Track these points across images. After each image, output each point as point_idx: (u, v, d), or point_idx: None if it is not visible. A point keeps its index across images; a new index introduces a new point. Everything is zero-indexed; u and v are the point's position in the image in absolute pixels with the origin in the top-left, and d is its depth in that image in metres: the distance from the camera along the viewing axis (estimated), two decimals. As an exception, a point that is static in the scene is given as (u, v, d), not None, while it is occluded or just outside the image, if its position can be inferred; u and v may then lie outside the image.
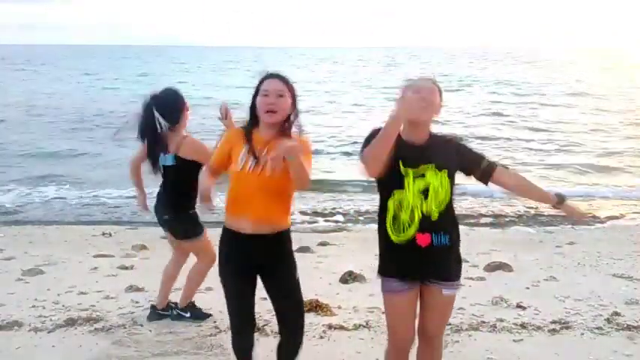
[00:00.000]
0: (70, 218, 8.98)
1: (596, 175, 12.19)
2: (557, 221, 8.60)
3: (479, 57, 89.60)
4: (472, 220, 8.42)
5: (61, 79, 40.11)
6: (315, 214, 9.13)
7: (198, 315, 4.06)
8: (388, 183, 2.48)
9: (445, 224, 2.48)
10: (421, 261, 2.47)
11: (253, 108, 2.60)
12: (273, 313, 2.81)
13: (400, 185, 2.43)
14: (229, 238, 2.64)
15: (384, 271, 2.57)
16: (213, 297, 4.56)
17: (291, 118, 2.60)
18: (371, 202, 8.56)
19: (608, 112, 22.39)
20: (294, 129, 2.63)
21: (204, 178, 2.65)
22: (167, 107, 3.66)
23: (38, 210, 9.41)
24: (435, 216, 2.43)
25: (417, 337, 2.68)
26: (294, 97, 2.59)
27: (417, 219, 2.42)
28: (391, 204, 2.46)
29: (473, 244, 6.08)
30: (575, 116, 21.13)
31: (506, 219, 8.78)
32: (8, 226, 8.23)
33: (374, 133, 2.38)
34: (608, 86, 33.28)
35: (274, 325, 2.90)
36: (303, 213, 9.02)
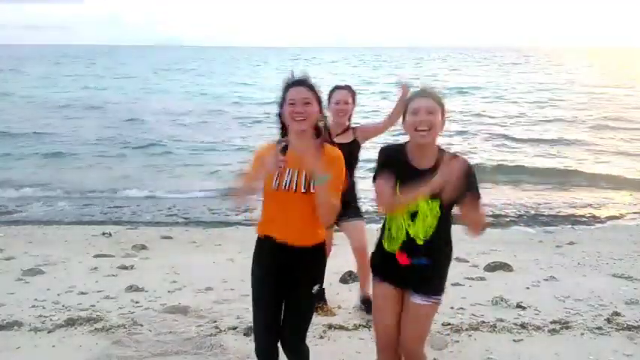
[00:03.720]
0: (70, 218, 8.98)
1: None
2: (557, 221, 8.62)
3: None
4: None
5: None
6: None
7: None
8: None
9: (429, 250, 2.48)
10: (402, 272, 2.53)
11: (280, 116, 2.59)
12: None
13: None
14: (261, 245, 2.63)
15: (375, 271, 2.70)
16: (212, 297, 4.58)
17: (320, 125, 2.58)
18: (371, 202, 8.54)
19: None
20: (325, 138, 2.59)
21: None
22: None
23: (38, 210, 9.41)
24: (419, 242, 2.47)
25: None
26: (320, 103, 2.57)
27: (401, 238, 2.50)
28: (388, 219, 2.57)
29: (473, 244, 6.07)
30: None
31: (507, 219, 8.77)
32: (8, 226, 8.23)
33: (385, 160, 2.49)
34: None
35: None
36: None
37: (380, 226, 2.66)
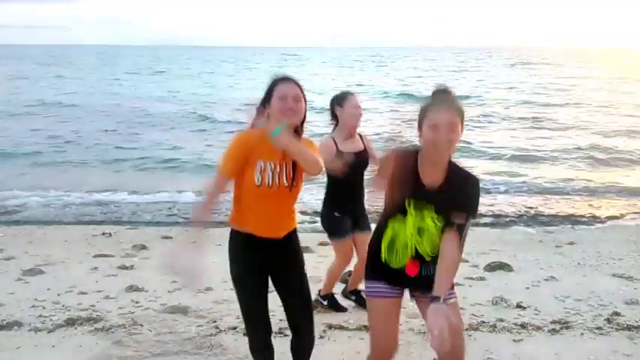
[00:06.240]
0: (70, 218, 8.97)
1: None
2: (557, 221, 8.62)
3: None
4: (472, 220, 8.38)
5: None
6: (316, 213, 9.09)
7: (333, 305, 4.23)
8: (392, 208, 2.42)
9: (434, 262, 2.41)
10: (410, 281, 2.48)
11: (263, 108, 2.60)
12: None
13: (403, 213, 2.38)
14: (241, 240, 2.65)
15: (372, 273, 2.53)
16: (212, 297, 4.58)
17: (304, 122, 2.61)
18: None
19: None
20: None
21: (198, 211, 2.73)
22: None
23: (38, 210, 9.41)
24: (427, 258, 2.41)
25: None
26: (306, 102, 2.58)
27: (409, 253, 2.41)
28: (390, 230, 2.44)
29: (473, 244, 6.07)
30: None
31: (506, 219, 8.77)
32: (8, 226, 8.23)
33: (394, 158, 2.38)
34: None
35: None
36: (303, 213, 9.00)
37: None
